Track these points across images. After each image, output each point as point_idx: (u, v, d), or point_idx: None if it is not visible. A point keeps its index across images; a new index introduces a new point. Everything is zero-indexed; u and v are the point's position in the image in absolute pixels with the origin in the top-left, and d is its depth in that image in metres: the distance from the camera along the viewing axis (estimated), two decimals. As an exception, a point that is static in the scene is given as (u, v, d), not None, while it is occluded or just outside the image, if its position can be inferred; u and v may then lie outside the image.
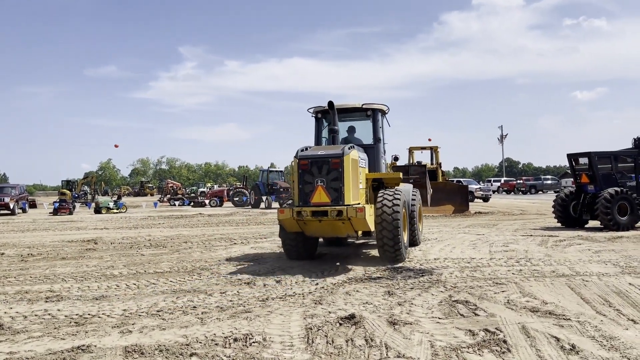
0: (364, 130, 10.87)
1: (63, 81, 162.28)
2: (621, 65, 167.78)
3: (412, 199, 11.14)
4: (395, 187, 9.91)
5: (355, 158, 8.80)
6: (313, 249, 10.04)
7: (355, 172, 8.74)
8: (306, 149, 9.09)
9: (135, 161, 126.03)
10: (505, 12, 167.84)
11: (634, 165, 15.35)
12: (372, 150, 10.33)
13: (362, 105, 10.42)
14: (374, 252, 10.69)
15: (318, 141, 10.68)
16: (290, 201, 9.48)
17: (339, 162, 8.46)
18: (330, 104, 9.42)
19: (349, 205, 8.38)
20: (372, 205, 9.15)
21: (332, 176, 8.48)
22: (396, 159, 11.16)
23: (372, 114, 10.52)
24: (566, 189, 16.30)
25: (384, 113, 10.88)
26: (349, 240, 12.74)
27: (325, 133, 10.72)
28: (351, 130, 10.84)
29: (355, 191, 8.64)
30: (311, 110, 10.76)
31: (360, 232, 9.14)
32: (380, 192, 9.26)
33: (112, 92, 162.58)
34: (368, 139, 10.66)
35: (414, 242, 11.10)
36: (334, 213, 8.29)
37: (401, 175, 10.26)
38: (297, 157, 8.78)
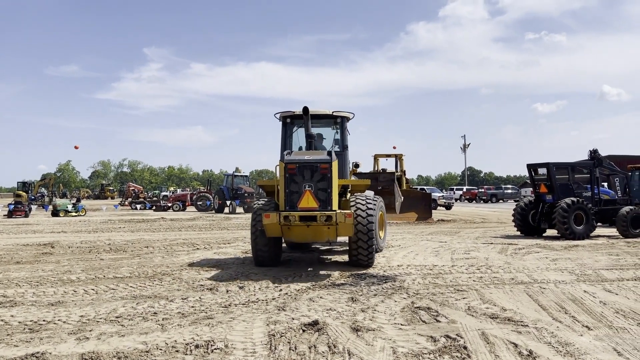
0: (329, 137, 10.94)
1: (22, 79, 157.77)
2: (580, 80, 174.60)
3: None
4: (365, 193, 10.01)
5: (336, 165, 8.94)
6: (280, 256, 9.97)
7: (336, 178, 8.88)
8: (289, 153, 9.09)
9: (96, 163, 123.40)
10: (470, 24, 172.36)
11: (590, 176, 15.89)
12: (340, 158, 10.14)
13: (333, 112, 10.45)
14: (338, 258, 10.72)
15: (285, 146, 10.56)
16: (260, 202, 9.42)
17: (328, 168, 8.56)
18: (306, 109, 9.34)
19: (337, 210, 8.52)
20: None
21: (321, 181, 8.55)
22: (357, 165, 11.05)
23: (340, 121, 10.57)
24: (525, 199, 16.73)
25: (348, 120, 10.88)
26: (313, 246, 12.77)
27: (297, 138, 10.76)
28: (318, 137, 10.76)
29: (336, 197, 8.78)
30: (278, 115, 10.64)
31: (338, 238, 9.21)
32: (353, 197, 9.37)
33: (73, 91, 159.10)
34: (330, 146, 10.71)
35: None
36: (323, 218, 8.36)
37: (370, 182, 10.33)
38: (283, 160, 8.74)
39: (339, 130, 10.69)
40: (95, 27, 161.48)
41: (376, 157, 27.96)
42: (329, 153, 8.84)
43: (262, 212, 8.85)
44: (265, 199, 9.68)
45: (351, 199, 9.27)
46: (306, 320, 5.66)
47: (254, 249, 9.48)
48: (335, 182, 8.67)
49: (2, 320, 5.88)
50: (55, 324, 5.73)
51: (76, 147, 53.57)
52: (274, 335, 5.16)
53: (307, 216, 8.46)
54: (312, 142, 9.61)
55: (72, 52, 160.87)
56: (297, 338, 5.09)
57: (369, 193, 11.11)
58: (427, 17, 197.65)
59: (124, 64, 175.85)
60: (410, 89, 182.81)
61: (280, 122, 10.72)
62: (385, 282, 8.04)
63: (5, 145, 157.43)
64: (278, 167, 8.98)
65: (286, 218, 8.45)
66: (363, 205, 8.99)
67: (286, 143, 10.67)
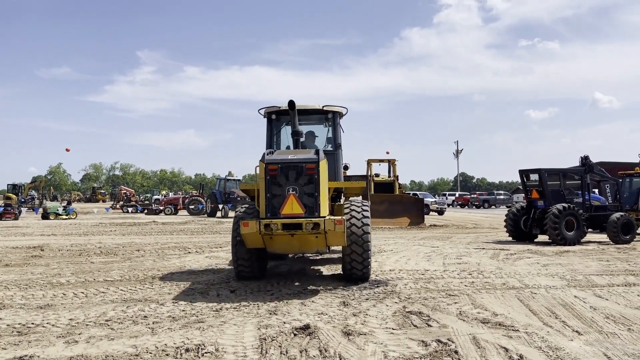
0: (322, 135, 10.01)
1: (12, 81, 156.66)
2: (572, 87, 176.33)
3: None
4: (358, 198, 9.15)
5: (325, 165, 7.94)
6: (265, 268, 9.03)
7: (326, 180, 7.89)
8: (272, 152, 8.03)
9: (88, 166, 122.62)
10: (464, 30, 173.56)
11: (581, 182, 16.00)
12: (332, 157, 9.14)
13: (323, 107, 9.40)
14: (328, 264, 10.70)
15: (270, 144, 9.61)
16: (242, 209, 8.55)
17: (315, 168, 7.51)
18: (291, 104, 8.24)
19: (325, 217, 7.46)
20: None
21: (307, 184, 7.51)
22: (346, 167, 9.94)
23: (332, 117, 9.57)
24: (517, 204, 16.83)
25: (341, 116, 9.88)
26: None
27: (285, 137, 9.80)
28: (309, 135, 9.79)
29: (326, 201, 7.78)
30: (262, 111, 9.61)
31: (331, 247, 8.29)
32: (347, 202, 8.44)
33: (64, 94, 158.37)
34: (323, 145, 9.73)
35: None
36: (309, 226, 7.26)
37: (363, 184, 9.54)
38: (263, 161, 7.67)
39: (330, 127, 9.69)
40: (88, 29, 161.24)
41: (369, 162, 28.01)
42: (317, 152, 7.82)
43: (240, 220, 7.74)
44: (247, 205, 8.75)
45: (345, 204, 8.34)
46: (297, 324, 5.63)
47: (234, 261, 8.45)
48: (325, 185, 7.69)
49: (-10, 323, 5.81)
50: (44, 327, 5.68)
51: (67, 150, 53.39)
52: (265, 339, 5.14)
53: (291, 224, 7.33)
54: (299, 140, 8.63)
55: (64, 54, 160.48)
56: (288, 342, 5.06)
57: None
58: (422, 23, 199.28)
59: (116, 66, 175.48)
60: (404, 94, 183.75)
61: (265, 119, 9.67)
62: (377, 286, 8.03)
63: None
64: (258, 168, 7.88)
65: (267, 227, 7.28)
66: (358, 211, 8.03)
67: (272, 142, 9.68)
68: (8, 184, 48.96)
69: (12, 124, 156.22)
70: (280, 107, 9.31)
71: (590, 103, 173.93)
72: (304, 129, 9.43)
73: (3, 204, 30.79)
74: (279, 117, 9.51)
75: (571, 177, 16.71)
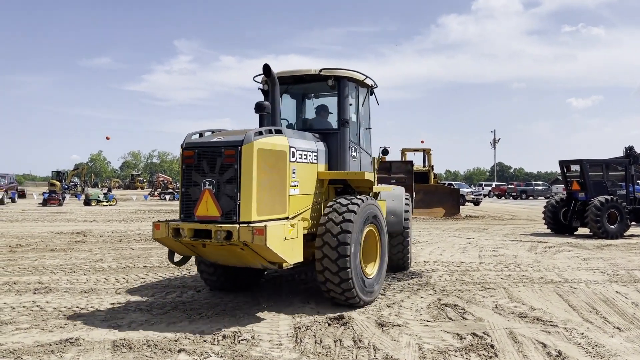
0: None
1: (56, 71, 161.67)
2: (617, 74, 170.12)
3: (406, 209, 8.39)
4: (371, 193, 7.27)
5: (273, 148, 5.77)
6: (246, 278, 7.09)
7: (277, 169, 5.83)
8: (200, 133, 6.06)
9: (127, 154, 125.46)
10: (503, 16, 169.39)
11: (625, 173, 15.50)
12: (334, 138, 7.03)
13: (320, 71, 7.01)
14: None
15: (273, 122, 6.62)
16: None
17: (235, 155, 5.49)
18: (266, 68, 6.36)
19: (245, 222, 5.36)
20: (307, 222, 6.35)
21: (228, 177, 5.53)
22: (385, 152, 7.84)
23: (336, 85, 7.04)
24: (557, 196, 16.43)
25: (361, 85, 7.48)
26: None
27: (287, 111, 7.71)
28: (321, 111, 7.52)
29: (271, 199, 5.71)
30: (259, 79, 7.39)
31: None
32: (331, 201, 6.43)
33: (105, 83, 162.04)
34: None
35: (403, 265, 8.55)
36: (221, 234, 5.35)
37: (370, 175, 6.92)
38: (182, 145, 5.88)
39: (338, 98, 7.11)
40: (127, 20, 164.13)
41: (404, 152, 27.78)
42: (269, 130, 5.86)
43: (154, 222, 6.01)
44: None
45: (330, 204, 6.34)
46: (332, 314, 5.68)
47: (197, 269, 7.00)
48: (250, 177, 5.41)
49: (37, 306, 6.08)
50: (88, 310, 5.90)
51: (108, 138, 54.87)
52: (300, 328, 5.21)
53: (203, 230, 5.50)
54: (264, 116, 6.44)
55: (105, 45, 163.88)
56: (322, 331, 5.12)
57: (395, 191, 8.43)
58: (459, 9, 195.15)
59: (154, 56, 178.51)
60: (440, 82, 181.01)
61: (260, 91, 7.46)
62: (412, 278, 8.01)
63: (40, 135, 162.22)
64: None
65: (177, 232, 5.64)
66: (340, 212, 6.07)
67: (275, 117, 6.71)
68: (52, 171, 50.81)
69: (56, 112, 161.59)
70: (284, 74, 7.19)
71: (636, 90, 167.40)
72: (316, 102, 7.77)
73: (48, 190, 31.89)
74: (274, 87, 6.67)
75: (614, 168, 16.19)
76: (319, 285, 6.20)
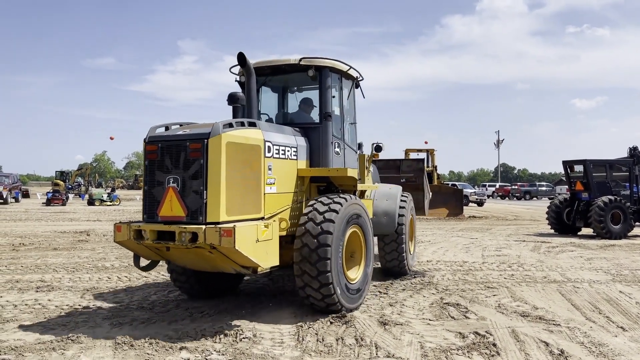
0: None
1: (60, 71, 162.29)
2: (622, 75, 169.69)
3: (401, 210, 7.94)
4: (357, 192, 6.93)
5: (245, 142, 5.30)
6: (229, 279, 6.68)
7: (250, 165, 5.36)
8: (180, 125, 5.60)
9: (131, 154, 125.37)
10: (508, 17, 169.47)
11: (629, 174, 15.44)
12: (316, 133, 6.54)
13: (300, 60, 6.54)
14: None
15: (249, 115, 6.14)
16: None
17: (201, 149, 5.03)
18: (241, 57, 5.95)
19: (213, 223, 4.92)
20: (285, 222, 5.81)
21: (193, 174, 5.08)
22: (378, 148, 7.45)
23: (318, 76, 6.55)
24: (560, 196, 16.38)
25: (345, 76, 6.99)
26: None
27: (268, 106, 7.28)
28: (304, 104, 7.06)
29: (243, 198, 5.24)
30: (235, 70, 6.92)
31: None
32: (312, 200, 5.99)
33: (108, 83, 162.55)
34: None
35: (399, 270, 8.08)
36: (185, 236, 4.91)
37: (353, 171, 6.45)
38: (145, 139, 5.44)
39: (319, 90, 6.59)
40: (131, 20, 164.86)
41: (407, 152, 27.72)
42: (240, 123, 5.38)
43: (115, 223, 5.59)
44: None
45: (310, 203, 5.90)
46: (334, 313, 5.66)
47: (170, 276, 6.52)
48: (219, 174, 4.95)
49: (39, 304, 6.09)
50: (90, 308, 5.91)
51: (111, 138, 55.10)
52: (302, 326, 5.20)
53: (166, 232, 5.09)
54: (237, 108, 5.87)
55: (108, 45, 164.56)
56: (324, 330, 5.11)
57: (391, 190, 8.12)
58: (464, 10, 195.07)
59: (158, 56, 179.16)
60: (444, 83, 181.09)
61: (237, 83, 6.99)
62: (414, 277, 7.99)
63: (45, 136, 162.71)
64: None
65: (139, 234, 5.23)
66: (321, 211, 5.64)
67: (251, 110, 6.18)
68: (56, 171, 50.90)
69: (59, 112, 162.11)
70: (262, 64, 6.67)
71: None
72: (299, 96, 7.32)
73: (52, 190, 31.98)
74: (258, 79, 6.45)
75: (618, 168, 16.14)
76: (297, 290, 5.78)
